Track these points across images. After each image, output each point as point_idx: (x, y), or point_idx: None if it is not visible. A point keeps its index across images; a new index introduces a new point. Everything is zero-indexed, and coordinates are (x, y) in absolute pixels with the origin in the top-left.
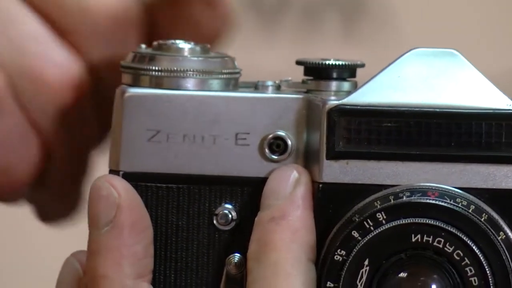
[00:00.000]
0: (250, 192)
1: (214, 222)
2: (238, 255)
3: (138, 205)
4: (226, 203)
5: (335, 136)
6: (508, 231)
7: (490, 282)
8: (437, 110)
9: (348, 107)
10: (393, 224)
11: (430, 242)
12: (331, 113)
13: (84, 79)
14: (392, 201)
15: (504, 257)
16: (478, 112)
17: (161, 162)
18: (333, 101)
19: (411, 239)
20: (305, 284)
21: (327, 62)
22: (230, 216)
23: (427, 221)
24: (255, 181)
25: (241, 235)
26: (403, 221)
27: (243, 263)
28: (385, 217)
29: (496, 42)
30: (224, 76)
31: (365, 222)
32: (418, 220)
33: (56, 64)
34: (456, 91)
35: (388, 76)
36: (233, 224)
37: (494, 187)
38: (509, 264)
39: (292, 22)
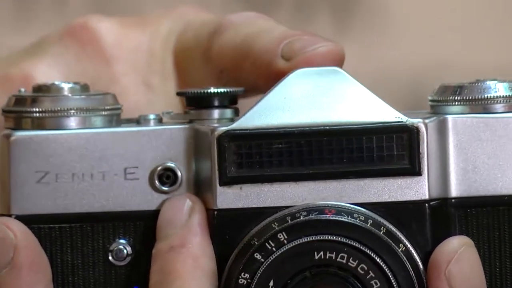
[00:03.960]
0: (143, 226)
1: (110, 258)
2: None
3: (35, 245)
4: (120, 238)
5: (227, 162)
6: (407, 242)
7: None
8: (327, 128)
9: (238, 131)
10: (295, 243)
11: (334, 258)
12: (220, 139)
13: None
14: (289, 221)
15: (407, 268)
16: (367, 126)
17: (52, 202)
18: (221, 127)
19: (314, 256)
20: None
21: (207, 91)
22: (125, 251)
23: (328, 237)
24: (147, 214)
25: (138, 269)
26: (305, 239)
27: None
28: (286, 237)
29: (489, 38)
30: (106, 112)
31: (266, 244)
32: (319, 237)
33: None
34: (344, 107)
35: (274, 98)
36: (128, 259)
37: (389, 200)
38: (413, 274)
39: (283, 17)
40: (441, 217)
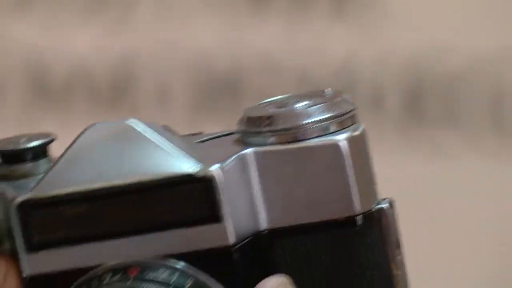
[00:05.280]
0: None
1: None
2: None
3: None
4: None
5: (29, 229)
6: None
7: None
8: (121, 186)
9: (35, 199)
10: None
11: None
12: (21, 209)
13: None
14: (96, 285)
15: None
16: (162, 181)
17: None
18: (19, 198)
19: None
20: None
21: (13, 148)
22: None
23: None
24: None
25: None
26: None
27: None
28: None
29: (487, 21)
30: None
31: None
32: None
33: None
34: (138, 162)
35: (70, 160)
36: None
37: (194, 250)
38: None
39: (281, 2)
40: (256, 254)
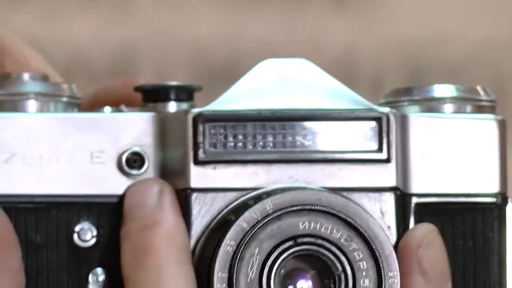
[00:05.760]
0: (109, 208)
1: (74, 239)
2: (101, 269)
3: (4, 220)
4: (85, 220)
5: (201, 142)
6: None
7: (380, 264)
8: (301, 112)
9: (212, 113)
10: (280, 212)
11: (318, 228)
12: (195, 121)
13: None
14: (265, 197)
15: (388, 241)
16: (339, 112)
17: (17, 183)
18: (195, 110)
19: (299, 226)
20: (190, 284)
21: (165, 84)
22: (90, 233)
23: (313, 207)
24: (114, 197)
25: (102, 250)
26: (290, 209)
27: (106, 278)
28: (271, 206)
29: (488, 10)
30: (66, 99)
31: (253, 214)
32: (304, 207)
33: None
34: (314, 94)
35: (244, 85)
36: (93, 240)
37: (359, 186)
38: (393, 249)
39: None
40: (403, 208)
